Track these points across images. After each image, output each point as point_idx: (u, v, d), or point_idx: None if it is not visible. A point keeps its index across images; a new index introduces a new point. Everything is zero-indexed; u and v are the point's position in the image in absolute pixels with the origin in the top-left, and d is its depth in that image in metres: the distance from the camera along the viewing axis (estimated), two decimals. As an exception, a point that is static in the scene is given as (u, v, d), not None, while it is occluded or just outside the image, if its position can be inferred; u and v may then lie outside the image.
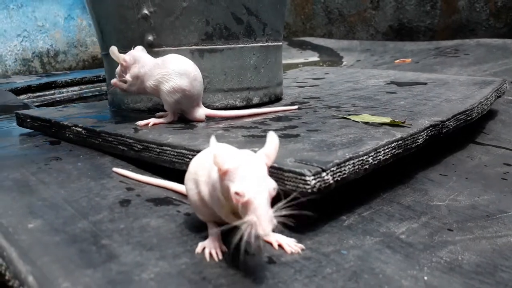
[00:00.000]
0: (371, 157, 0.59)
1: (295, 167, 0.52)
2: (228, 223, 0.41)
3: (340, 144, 0.61)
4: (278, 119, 0.81)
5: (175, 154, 0.64)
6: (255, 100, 0.94)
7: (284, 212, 0.39)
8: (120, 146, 0.72)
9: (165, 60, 0.75)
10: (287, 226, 0.39)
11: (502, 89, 1.08)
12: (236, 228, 0.39)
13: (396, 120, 0.73)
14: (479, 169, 0.80)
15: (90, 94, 1.93)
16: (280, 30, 0.99)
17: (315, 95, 1.05)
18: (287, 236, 0.49)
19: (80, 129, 0.79)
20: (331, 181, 0.52)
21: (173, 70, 0.74)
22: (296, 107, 0.89)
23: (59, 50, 2.90)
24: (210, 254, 0.45)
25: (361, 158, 0.57)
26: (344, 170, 0.54)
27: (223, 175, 0.39)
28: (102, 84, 1.94)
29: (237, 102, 0.92)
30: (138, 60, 0.76)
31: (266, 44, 0.94)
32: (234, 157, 0.39)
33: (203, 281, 0.41)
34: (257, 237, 0.37)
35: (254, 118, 0.81)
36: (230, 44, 0.89)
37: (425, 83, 1.14)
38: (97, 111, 0.95)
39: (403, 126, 0.71)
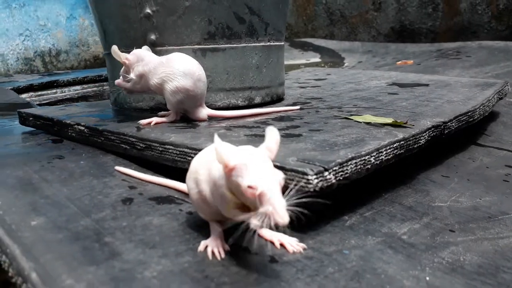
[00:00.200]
0: (373, 157, 0.59)
1: (298, 166, 0.52)
2: (231, 222, 0.41)
3: (342, 144, 0.61)
4: (280, 119, 0.81)
5: (178, 152, 0.64)
6: (257, 100, 0.94)
7: (295, 201, 0.39)
8: (123, 145, 0.73)
9: (170, 59, 0.75)
10: (289, 226, 0.39)
11: (504, 91, 1.08)
12: (238, 226, 0.39)
13: (398, 121, 0.73)
14: (480, 171, 0.80)
15: (92, 93, 1.93)
16: (282, 30, 0.99)
17: (317, 95, 1.05)
18: (289, 235, 0.49)
19: (83, 128, 0.79)
20: (333, 181, 0.52)
21: (177, 70, 0.74)
22: (298, 107, 0.90)
23: (61, 49, 2.90)
24: (213, 253, 0.45)
25: (363, 158, 0.57)
26: (346, 169, 0.54)
27: (230, 171, 0.39)
28: (104, 83, 1.94)
29: (239, 102, 0.92)
30: (142, 59, 0.76)
31: (268, 44, 0.94)
32: (239, 153, 0.40)
33: (206, 279, 0.41)
34: (259, 235, 0.37)
35: (256, 118, 0.82)
36: (233, 44, 0.89)
37: (427, 85, 1.14)
38: (100, 110, 0.96)
39: (405, 127, 0.71)
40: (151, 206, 0.56)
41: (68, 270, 0.41)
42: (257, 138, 0.66)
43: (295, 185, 0.50)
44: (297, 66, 2.13)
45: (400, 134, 0.66)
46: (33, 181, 0.63)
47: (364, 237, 0.52)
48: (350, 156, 0.55)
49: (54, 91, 1.88)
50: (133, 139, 0.71)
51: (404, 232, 0.55)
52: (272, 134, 0.42)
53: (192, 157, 0.60)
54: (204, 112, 0.80)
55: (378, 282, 0.43)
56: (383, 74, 1.39)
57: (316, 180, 0.50)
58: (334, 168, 0.53)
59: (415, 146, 0.68)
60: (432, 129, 0.72)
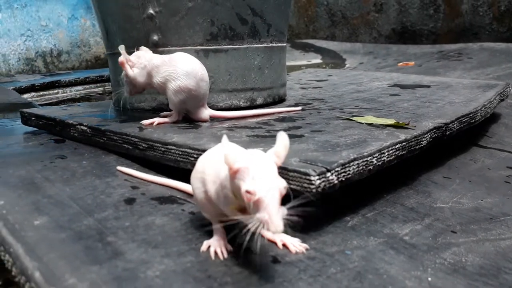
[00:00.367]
0: (375, 158, 0.59)
1: (300, 167, 0.52)
2: (234, 222, 0.42)
3: (345, 145, 0.61)
4: (282, 119, 0.81)
5: (180, 153, 0.64)
6: (259, 101, 0.94)
7: (292, 212, 0.39)
8: (125, 145, 0.73)
9: (173, 58, 0.75)
10: (291, 226, 0.39)
11: (505, 92, 1.08)
12: (240, 226, 0.39)
13: (400, 122, 0.73)
14: (482, 172, 0.80)
15: (93, 93, 1.93)
16: (284, 31, 0.99)
17: (318, 96, 1.06)
18: (291, 236, 0.49)
19: (85, 128, 0.80)
20: (336, 181, 0.52)
21: (181, 69, 0.74)
22: (300, 108, 0.90)
23: (63, 50, 2.91)
24: (215, 253, 0.45)
25: (365, 159, 0.57)
26: (349, 170, 0.54)
27: (234, 174, 0.40)
28: (106, 83, 1.95)
29: (241, 103, 0.92)
30: (145, 57, 0.77)
31: (270, 45, 0.95)
32: (244, 156, 0.40)
33: (208, 279, 0.41)
34: (261, 235, 0.37)
35: (258, 119, 0.82)
36: (235, 45, 0.90)
37: (429, 86, 1.14)
38: (102, 110, 0.96)
39: (407, 128, 0.71)
40: (154, 206, 0.56)
41: (71, 270, 0.41)
42: (259, 139, 0.67)
43: (297, 189, 0.50)
44: (299, 67, 2.13)
45: (402, 135, 0.66)
46: (36, 180, 0.63)
47: (366, 237, 0.52)
48: (352, 157, 0.56)
49: (56, 91, 1.88)
50: (136, 139, 0.71)
51: (406, 233, 0.55)
52: (282, 140, 0.41)
53: (195, 158, 0.61)
54: (206, 112, 0.80)
55: (380, 282, 0.43)
56: (384, 75, 1.39)
57: (318, 181, 0.50)
58: (337, 169, 0.53)
59: (417, 147, 0.68)
60: (434, 130, 0.72)
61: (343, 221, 0.56)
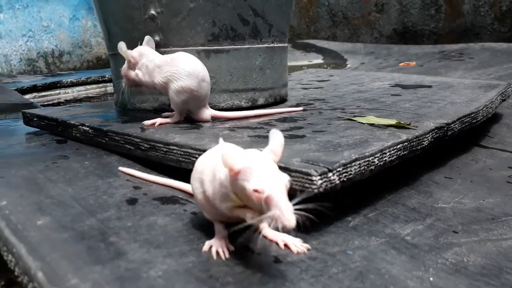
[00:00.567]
0: (377, 158, 0.59)
1: (302, 167, 0.52)
2: (235, 222, 0.42)
3: (346, 145, 0.61)
4: (284, 120, 0.81)
5: (182, 153, 0.64)
6: (260, 101, 0.95)
7: (301, 206, 0.39)
8: (127, 145, 0.73)
9: (174, 58, 0.76)
10: (295, 228, 0.39)
11: (507, 92, 1.08)
12: (241, 226, 0.39)
13: (402, 122, 0.73)
14: (483, 172, 0.80)
15: (95, 94, 1.94)
16: (285, 31, 0.99)
17: (319, 97, 1.06)
18: (293, 236, 0.49)
19: (87, 128, 0.80)
20: (337, 182, 0.53)
21: (182, 69, 0.74)
22: (301, 108, 0.90)
23: (64, 50, 2.91)
24: (217, 253, 0.45)
25: (367, 159, 0.57)
26: (350, 170, 0.55)
27: (236, 175, 0.39)
28: (107, 84, 1.95)
29: (242, 103, 0.92)
30: (146, 55, 0.77)
31: (271, 45, 0.95)
32: (243, 156, 0.40)
33: (210, 279, 0.41)
34: (263, 235, 0.37)
35: (260, 119, 0.82)
36: (236, 45, 0.90)
37: (430, 86, 1.14)
38: (103, 110, 0.96)
39: (408, 128, 0.71)
40: (156, 206, 0.56)
41: (73, 270, 0.41)
42: (261, 139, 0.67)
43: (300, 187, 0.51)
44: (300, 68, 2.13)
45: (404, 136, 0.66)
46: (38, 181, 0.63)
47: (367, 237, 0.53)
48: (354, 157, 0.56)
49: (58, 91, 1.89)
50: (138, 140, 0.71)
51: (407, 233, 0.55)
52: (277, 137, 0.42)
53: (196, 158, 0.61)
54: (208, 113, 0.80)
55: (382, 282, 0.43)
56: (385, 76, 1.39)
57: (320, 181, 0.50)
58: (338, 169, 0.53)
59: (419, 147, 0.68)
60: (435, 130, 0.72)
61: (345, 221, 0.56)
